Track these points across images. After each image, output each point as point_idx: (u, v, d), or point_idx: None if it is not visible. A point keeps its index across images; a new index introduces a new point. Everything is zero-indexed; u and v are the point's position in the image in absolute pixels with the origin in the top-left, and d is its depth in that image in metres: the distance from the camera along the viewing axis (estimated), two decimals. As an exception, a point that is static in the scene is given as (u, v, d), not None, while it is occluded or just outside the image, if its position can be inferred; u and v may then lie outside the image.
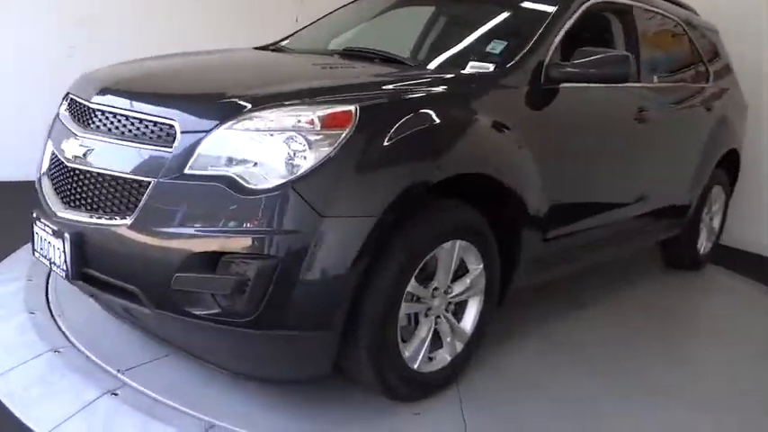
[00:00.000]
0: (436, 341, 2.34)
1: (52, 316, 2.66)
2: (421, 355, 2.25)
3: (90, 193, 2.07)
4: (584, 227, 2.99)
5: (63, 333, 2.54)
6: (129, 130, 2.04)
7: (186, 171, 1.90)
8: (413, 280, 2.11)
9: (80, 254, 2.03)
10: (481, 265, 2.38)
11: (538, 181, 2.51)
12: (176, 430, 2.00)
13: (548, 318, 3.12)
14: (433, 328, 2.28)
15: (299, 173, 1.86)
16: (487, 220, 2.38)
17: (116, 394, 2.14)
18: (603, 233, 3.17)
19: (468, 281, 2.37)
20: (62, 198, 2.18)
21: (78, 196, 2.10)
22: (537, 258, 2.71)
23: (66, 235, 2.03)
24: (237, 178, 1.86)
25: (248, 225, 1.84)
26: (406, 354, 2.18)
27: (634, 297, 3.59)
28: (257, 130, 1.90)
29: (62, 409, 2.07)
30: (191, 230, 1.87)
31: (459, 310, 2.44)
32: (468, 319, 2.44)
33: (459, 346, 2.41)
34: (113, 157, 2.04)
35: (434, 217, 2.15)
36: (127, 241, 1.95)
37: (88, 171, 2.08)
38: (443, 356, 2.36)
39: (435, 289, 2.25)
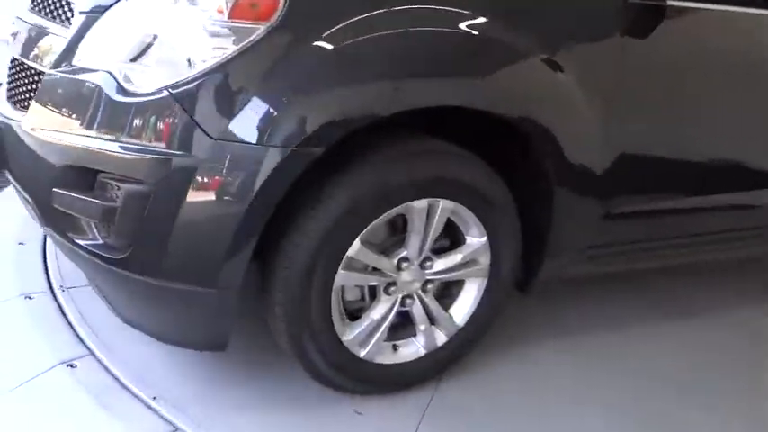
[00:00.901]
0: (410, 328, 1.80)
1: (44, 251, 2.30)
2: (373, 340, 1.71)
3: (12, 83, 1.79)
4: (683, 207, 2.17)
5: (46, 273, 2.18)
6: (43, 8, 1.70)
7: (74, 62, 1.52)
8: (357, 242, 1.57)
9: (-2, 151, 1.78)
10: (484, 238, 1.76)
11: (600, 137, 1.77)
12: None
13: (594, 317, 2.33)
14: (395, 309, 1.74)
15: (187, 77, 1.39)
16: (508, 179, 1.75)
17: (73, 366, 1.77)
18: (717, 221, 2.30)
19: (461, 256, 1.76)
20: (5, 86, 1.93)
21: (6, 85, 1.83)
22: (593, 242, 1.99)
23: (-16, 129, 1.77)
24: (118, 76, 1.43)
25: (123, 138, 1.42)
26: (346, 336, 1.67)
27: (742, 313, 2.53)
28: (150, 15, 1.44)
29: (8, 376, 1.71)
30: (70, 138, 1.49)
31: (449, 292, 1.86)
32: (461, 307, 1.84)
33: (442, 340, 1.83)
34: (28, 40, 1.72)
35: (397, 162, 1.57)
36: (24, 142, 1.63)
37: (14, 57, 1.79)
38: (415, 348, 1.81)
39: (404, 260, 1.69)
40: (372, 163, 1.53)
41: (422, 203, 1.61)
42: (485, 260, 1.79)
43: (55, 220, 1.58)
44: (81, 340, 1.88)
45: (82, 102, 1.47)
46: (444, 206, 1.65)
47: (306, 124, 1.39)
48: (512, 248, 1.81)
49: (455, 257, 1.75)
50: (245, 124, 1.38)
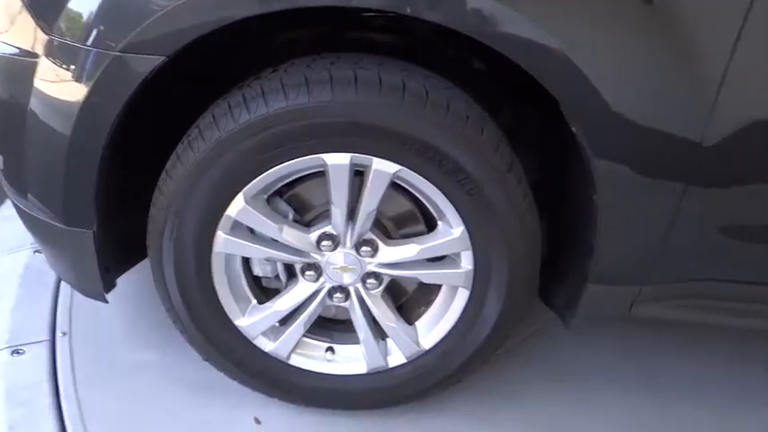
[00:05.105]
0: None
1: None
2: (284, 335, 1.27)
3: None
4: None
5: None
6: None
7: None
8: (239, 200, 1.13)
9: None
10: (460, 229, 1.16)
11: (706, 95, 1.02)
12: None
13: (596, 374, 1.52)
14: (318, 302, 1.25)
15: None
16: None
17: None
18: None
19: (417, 249, 1.19)
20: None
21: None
22: (696, 271, 1.21)
23: None
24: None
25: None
26: (240, 320, 1.25)
27: None
28: None
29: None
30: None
31: (427, 297, 1.29)
32: (431, 323, 1.27)
33: (397, 361, 1.29)
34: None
35: (289, 91, 1.06)
36: None
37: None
38: (356, 360, 1.31)
39: (327, 237, 1.19)
40: (252, 91, 1.07)
41: (337, 159, 1.09)
42: (466, 263, 1.20)
43: None
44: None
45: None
46: (379, 168, 1.10)
47: (134, 23, 1.00)
48: (511, 256, 1.17)
49: (408, 249, 1.19)
50: (72, 19, 1.04)
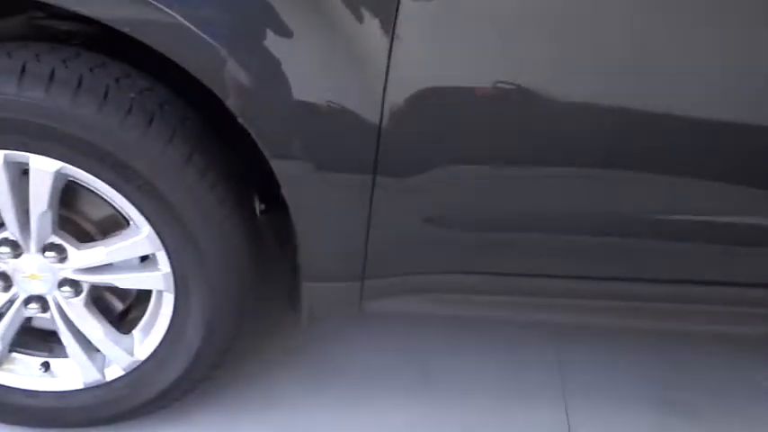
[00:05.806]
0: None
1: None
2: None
3: None
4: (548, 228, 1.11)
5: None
6: None
7: None
8: None
9: None
10: (146, 229, 1.06)
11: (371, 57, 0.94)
12: None
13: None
14: (14, 314, 1.14)
15: None
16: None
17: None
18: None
19: (105, 251, 1.09)
20: None
21: None
22: (416, 264, 1.14)
23: None
24: None
25: None
26: None
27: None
28: None
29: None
30: None
31: (144, 304, 1.20)
32: (144, 331, 1.18)
33: (115, 374, 1.20)
34: None
35: None
36: None
37: None
38: (73, 375, 1.21)
39: (6, 243, 1.09)
40: None
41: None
42: (163, 265, 1.10)
43: None
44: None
45: None
46: (37, 166, 1.00)
47: None
48: (203, 254, 1.07)
49: (96, 253, 1.09)
50: None
